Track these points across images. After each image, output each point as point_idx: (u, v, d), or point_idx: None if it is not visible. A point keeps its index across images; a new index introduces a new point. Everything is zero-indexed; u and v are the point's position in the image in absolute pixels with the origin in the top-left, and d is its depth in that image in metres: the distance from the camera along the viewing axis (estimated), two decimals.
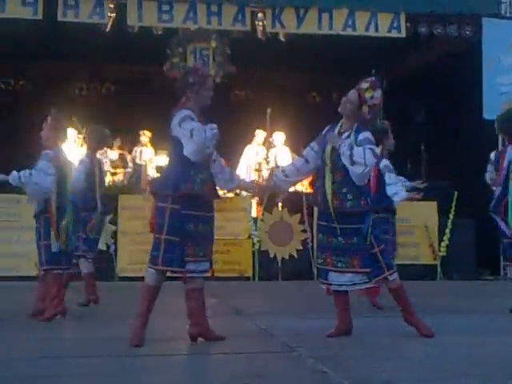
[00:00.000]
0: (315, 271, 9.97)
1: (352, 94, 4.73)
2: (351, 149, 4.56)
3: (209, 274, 4.56)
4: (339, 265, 4.74)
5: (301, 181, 5.88)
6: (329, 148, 4.75)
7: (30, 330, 5.16)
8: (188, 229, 4.40)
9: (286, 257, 10.14)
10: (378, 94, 4.68)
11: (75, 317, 5.91)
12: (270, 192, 6.75)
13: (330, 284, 4.83)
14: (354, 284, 4.80)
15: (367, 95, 4.65)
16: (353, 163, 4.55)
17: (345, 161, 4.59)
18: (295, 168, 5.07)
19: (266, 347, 4.40)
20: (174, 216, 4.37)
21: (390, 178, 6.20)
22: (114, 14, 10.01)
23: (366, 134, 4.67)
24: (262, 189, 5.74)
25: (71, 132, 11.38)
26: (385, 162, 6.25)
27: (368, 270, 4.73)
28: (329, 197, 4.69)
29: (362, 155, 4.52)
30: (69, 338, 5.11)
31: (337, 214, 4.69)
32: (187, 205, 4.40)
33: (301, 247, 10.26)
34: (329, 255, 4.77)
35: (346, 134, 4.72)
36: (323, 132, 4.92)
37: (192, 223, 4.42)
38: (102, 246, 9.68)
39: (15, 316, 5.95)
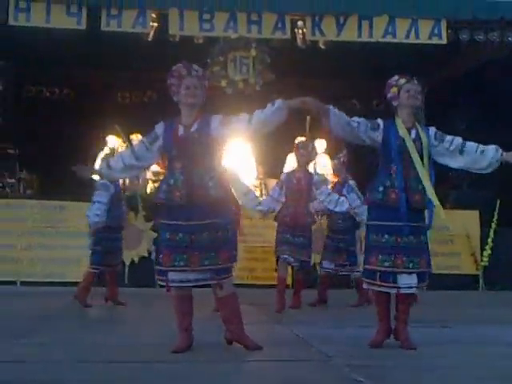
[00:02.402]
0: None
1: (417, 85, 4.73)
2: None
3: (210, 282, 4.44)
4: (410, 266, 4.61)
5: None
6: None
7: (85, 334, 5.27)
8: (163, 238, 4.42)
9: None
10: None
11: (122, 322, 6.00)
12: None
13: (399, 287, 4.62)
14: (411, 287, 4.66)
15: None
16: None
17: None
18: None
19: (302, 355, 4.40)
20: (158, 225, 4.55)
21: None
22: (156, 24, 10.16)
23: (433, 129, 4.74)
24: None
25: (114, 140, 11.60)
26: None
27: (430, 270, 4.70)
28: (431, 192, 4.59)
29: None
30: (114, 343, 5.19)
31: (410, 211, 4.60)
32: (162, 213, 4.46)
33: None
34: (399, 256, 4.60)
35: (413, 133, 4.69)
36: (381, 125, 4.72)
37: (168, 232, 4.40)
38: (143, 252, 9.87)
39: (61, 319, 6.09)
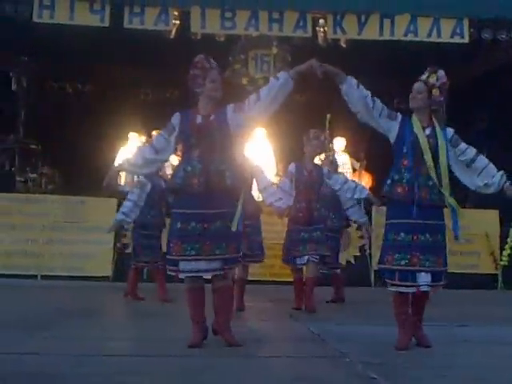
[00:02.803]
0: (372, 278, 10.02)
1: (418, 85, 4.67)
2: None
3: (219, 272, 4.47)
4: (427, 264, 4.57)
5: None
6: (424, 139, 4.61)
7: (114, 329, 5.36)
8: (174, 228, 4.47)
9: (344, 263, 10.12)
10: (442, 73, 4.66)
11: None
12: None
13: (419, 285, 4.56)
14: (428, 285, 4.62)
15: (432, 79, 4.62)
16: None
17: None
18: None
19: (316, 352, 4.44)
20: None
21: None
22: (178, 22, 10.22)
23: (452, 131, 4.68)
24: None
25: (135, 137, 11.69)
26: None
27: (446, 268, 4.68)
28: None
29: None
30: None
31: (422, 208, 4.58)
32: (175, 203, 4.53)
33: (358, 253, 10.25)
34: (416, 254, 4.56)
35: (428, 131, 4.65)
36: (399, 118, 4.69)
37: (179, 222, 4.44)
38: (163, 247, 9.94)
39: (77, 314, 6.18)
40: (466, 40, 10.44)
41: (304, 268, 7.02)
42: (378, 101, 4.66)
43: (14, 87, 13.16)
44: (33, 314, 6.01)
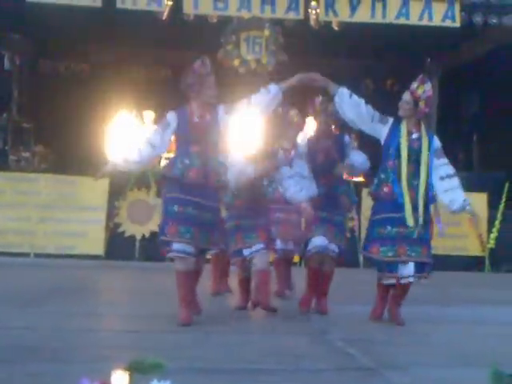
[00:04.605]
0: (361, 260, 10.15)
1: (406, 96, 4.97)
2: None
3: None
4: (413, 255, 4.82)
5: None
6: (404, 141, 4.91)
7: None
8: (171, 210, 4.67)
9: None
10: (428, 86, 4.95)
11: None
12: None
13: (404, 277, 4.85)
14: (410, 276, 4.87)
15: (419, 91, 4.91)
16: None
17: None
18: None
19: (300, 329, 4.59)
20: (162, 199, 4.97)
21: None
22: (171, 2, 10.23)
23: (438, 143, 5.03)
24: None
25: (128, 115, 11.77)
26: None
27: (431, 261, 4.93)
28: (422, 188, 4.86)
29: None
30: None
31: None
32: (173, 188, 4.72)
33: (348, 235, 10.38)
34: (401, 246, 4.84)
35: (415, 135, 4.95)
36: (389, 122, 4.99)
37: (177, 205, 4.66)
38: (154, 227, 10.05)
39: (70, 291, 6.30)
40: (458, 24, 10.50)
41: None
42: (369, 107, 4.96)
43: (6, 66, 13.17)
44: (26, 291, 6.12)
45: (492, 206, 10.66)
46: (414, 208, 4.83)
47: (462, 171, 11.83)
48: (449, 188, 4.94)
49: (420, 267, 4.88)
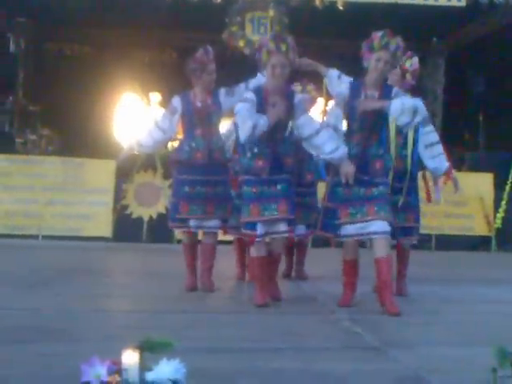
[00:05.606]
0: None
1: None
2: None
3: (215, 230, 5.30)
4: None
5: None
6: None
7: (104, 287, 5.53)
8: (182, 191, 5.18)
9: None
10: (416, 60, 5.29)
11: None
12: None
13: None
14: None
15: (407, 64, 5.22)
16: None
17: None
18: None
19: (307, 309, 4.63)
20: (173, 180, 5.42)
21: None
22: None
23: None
24: None
25: (133, 97, 11.78)
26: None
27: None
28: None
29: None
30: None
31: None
32: (182, 170, 5.20)
33: None
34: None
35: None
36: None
37: (187, 186, 5.16)
38: (162, 209, 10.10)
39: (77, 272, 6.36)
40: (463, 3, 10.45)
41: None
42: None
43: (12, 48, 13.16)
44: (34, 273, 6.18)
45: (498, 186, 10.65)
46: None
47: (469, 151, 11.90)
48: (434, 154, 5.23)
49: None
